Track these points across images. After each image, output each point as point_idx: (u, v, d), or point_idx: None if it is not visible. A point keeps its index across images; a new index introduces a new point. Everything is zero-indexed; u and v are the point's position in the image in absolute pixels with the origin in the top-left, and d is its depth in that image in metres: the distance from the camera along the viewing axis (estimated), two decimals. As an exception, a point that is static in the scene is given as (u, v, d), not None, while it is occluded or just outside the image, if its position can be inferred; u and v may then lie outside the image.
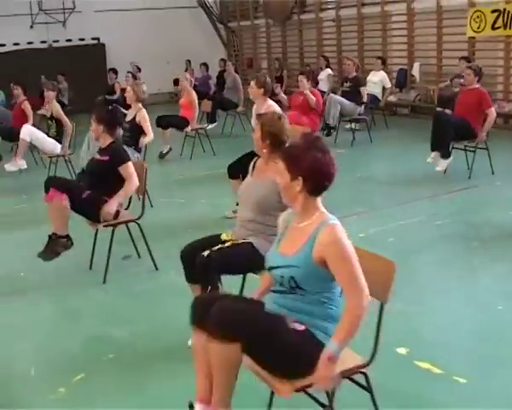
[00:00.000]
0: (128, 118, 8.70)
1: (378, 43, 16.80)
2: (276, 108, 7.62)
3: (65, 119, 10.32)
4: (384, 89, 14.46)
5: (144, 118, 8.59)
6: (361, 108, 12.97)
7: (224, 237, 4.63)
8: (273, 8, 20.43)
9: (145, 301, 5.84)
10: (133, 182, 6.07)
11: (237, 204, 5.60)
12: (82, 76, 18.95)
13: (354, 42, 17.66)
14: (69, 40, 21.01)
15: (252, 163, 4.91)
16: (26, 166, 10.81)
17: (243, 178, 5.15)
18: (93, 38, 21.37)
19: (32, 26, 20.40)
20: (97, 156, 6.23)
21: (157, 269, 6.44)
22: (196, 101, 12.26)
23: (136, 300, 5.89)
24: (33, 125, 11.37)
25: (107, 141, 6.23)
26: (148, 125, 8.67)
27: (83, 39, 21.18)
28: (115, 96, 16.33)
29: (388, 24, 16.82)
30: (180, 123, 12.19)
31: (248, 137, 6.50)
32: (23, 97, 12.12)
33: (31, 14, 20.14)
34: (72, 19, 20.76)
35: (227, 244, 4.45)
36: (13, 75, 15.56)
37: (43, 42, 20.72)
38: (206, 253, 4.27)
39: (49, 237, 5.96)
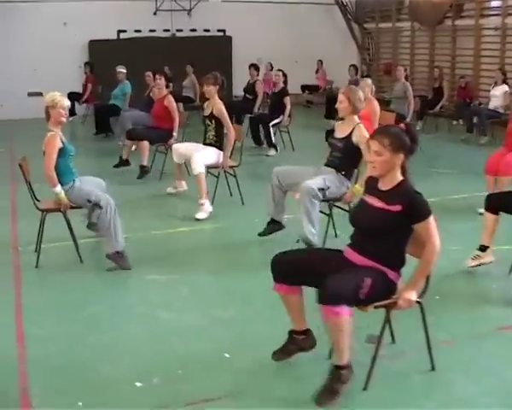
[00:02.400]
0: (339, 134, 6.70)
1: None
2: None
3: (228, 122, 8.43)
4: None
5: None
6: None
7: None
8: (422, 10, 18.22)
9: None
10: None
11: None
12: (206, 70, 17.03)
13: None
14: (193, 30, 19.45)
15: None
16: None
17: None
18: (219, 30, 19.71)
19: (155, 13, 18.87)
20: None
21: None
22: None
23: None
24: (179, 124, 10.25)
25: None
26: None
27: (208, 30, 19.56)
28: (258, 100, 14.21)
29: None
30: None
31: None
32: (165, 91, 10.36)
33: (155, 0, 18.53)
34: (198, 8, 19.12)
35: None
36: (133, 64, 14.70)
37: (166, 30, 19.18)
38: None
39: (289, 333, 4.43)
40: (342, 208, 6.70)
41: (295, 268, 4.14)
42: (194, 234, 7.38)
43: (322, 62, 20.05)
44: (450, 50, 17.80)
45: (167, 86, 10.62)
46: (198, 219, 7.79)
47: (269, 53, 18.71)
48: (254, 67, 14.71)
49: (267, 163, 10.92)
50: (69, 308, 5.39)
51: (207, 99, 8.65)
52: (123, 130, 11.78)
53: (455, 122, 15.66)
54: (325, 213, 6.69)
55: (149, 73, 13.48)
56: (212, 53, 18.52)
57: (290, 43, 19.73)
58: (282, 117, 12.54)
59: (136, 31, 18.66)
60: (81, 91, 16.67)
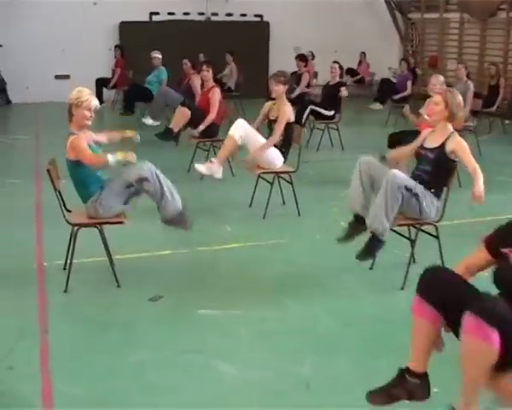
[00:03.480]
0: (430, 143, 5.65)
1: None
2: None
3: (281, 127, 7.42)
4: None
5: (464, 149, 5.48)
6: None
7: None
8: (474, 1, 17.06)
9: None
10: None
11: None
12: (243, 56, 16.07)
13: None
14: (229, 14, 18.34)
15: None
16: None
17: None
18: (256, 15, 18.60)
19: (189, -5, 17.77)
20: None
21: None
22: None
23: None
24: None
25: None
26: (469, 158, 5.41)
27: (244, 15, 18.46)
28: (298, 89, 13.18)
29: None
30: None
31: None
32: (212, 83, 9.54)
33: (190, -19, 17.57)
34: (235, -9, 18.04)
35: None
36: (165, 48, 13.78)
37: (201, 14, 18.13)
38: None
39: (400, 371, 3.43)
40: (429, 233, 5.65)
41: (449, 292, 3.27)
42: (246, 252, 6.39)
43: (365, 54, 18.96)
44: (503, 44, 16.62)
45: (215, 80, 9.62)
46: (196, 169, 7.48)
47: (307, 41, 17.74)
48: (300, 57, 13.69)
49: (319, 167, 9.91)
50: (107, 355, 4.38)
51: (272, 99, 7.79)
52: (158, 107, 11.52)
53: (507, 121, 14.53)
54: (408, 238, 5.67)
55: (186, 61, 12.56)
56: (248, 39, 17.72)
57: (329, 32, 18.67)
58: (333, 112, 11.51)
59: (169, 13, 17.62)
60: (110, 76, 15.71)
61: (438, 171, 5.50)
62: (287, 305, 5.17)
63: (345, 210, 7.49)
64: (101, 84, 15.41)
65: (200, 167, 7.50)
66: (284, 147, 7.47)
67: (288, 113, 7.40)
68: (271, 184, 7.44)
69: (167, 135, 9.43)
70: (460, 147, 5.38)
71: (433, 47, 19.47)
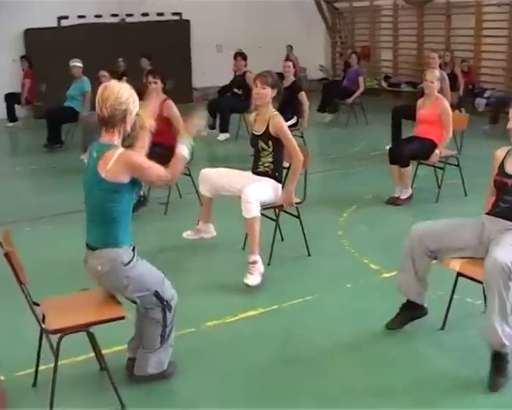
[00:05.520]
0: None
1: None
2: None
3: (293, 143, 5.80)
4: None
5: None
6: None
7: None
8: (408, -14, 16.02)
9: None
10: None
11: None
12: (163, 59, 14.34)
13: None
14: (145, 14, 16.68)
15: None
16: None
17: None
18: (174, 14, 17.01)
19: (101, -5, 15.99)
20: None
21: None
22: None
23: None
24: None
25: None
26: None
27: (162, 14, 16.83)
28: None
29: None
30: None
31: None
32: (163, 95, 7.74)
33: (100, -20, 15.81)
34: (149, -12, 16.42)
35: None
36: (77, 56, 11.71)
37: (115, 15, 16.39)
38: None
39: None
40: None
41: None
42: (264, 322, 4.88)
43: (292, 48, 17.65)
44: (444, 30, 15.63)
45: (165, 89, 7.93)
46: (249, 286, 5.37)
47: (231, 38, 16.43)
48: (242, 56, 12.15)
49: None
50: None
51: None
52: (90, 140, 9.07)
53: (457, 111, 13.49)
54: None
55: (104, 73, 10.72)
56: (167, 40, 16.22)
57: (252, 27, 17.33)
58: (296, 119, 10.06)
59: (79, 16, 15.77)
60: (20, 91, 13.80)
61: None
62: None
63: (357, 240, 6.27)
64: (11, 100, 13.48)
65: (188, 234, 6.04)
66: (278, 170, 5.91)
67: (285, 125, 5.83)
68: (276, 221, 5.91)
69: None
70: None
71: (364, 37, 18.37)
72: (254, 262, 5.44)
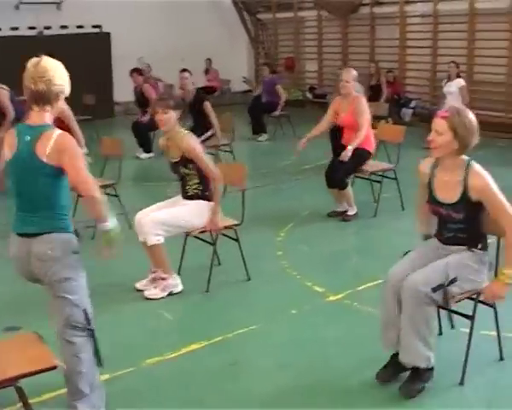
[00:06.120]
0: (445, 196, 4.01)
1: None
2: None
3: (205, 163, 5.45)
4: None
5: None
6: None
7: None
8: (332, -2, 15.99)
9: None
10: None
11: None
12: (83, 73, 13.85)
13: (455, 44, 13.34)
14: (64, 27, 16.12)
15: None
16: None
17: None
18: (94, 26, 16.50)
19: (17, 7, 15.45)
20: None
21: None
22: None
23: None
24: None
25: None
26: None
27: (81, 26, 16.31)
28: (146, 117, 11.21)
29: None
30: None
31: None
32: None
33: (16, -8, 15.22)
34: (68, 0, 15.89)
35: None
36: None
37: (32, 28, 15.72)
38: None
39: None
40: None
41: None
42: (209, 355, 4.52)
43: (210, 61, 17.41)
44: (369, 41, 15.65)
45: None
46: (147, 298, 5.33)
47: (152, 51, 16.07)
48: (138, 72, 11.86)
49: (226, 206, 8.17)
50: None
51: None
52: None
53: (383, 121, 13.48)
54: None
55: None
56: (87, 53, 15.62)
57: (175, 39, 17.05)
58: (207, 133, 9.71)
59: (-6, 29, 15.10)
60: None
61: (472, 224, 4.00)
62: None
63: (298, 261, 6.14)
64: None
65: (153, 292, 5.43)
66: (208, 188, 5.56)
67: (194, 144, 5.46)
68: (214, 245, 5.58)
69: None
70: (483, 191, 3.87)
71: (288, 48, 18.25)
72: (163, 278, 5.35)
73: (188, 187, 5.54)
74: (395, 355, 4.02)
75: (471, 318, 4.00)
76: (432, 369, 3.92)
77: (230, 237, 5.65)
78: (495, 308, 4.13)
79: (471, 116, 3.84)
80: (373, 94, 13.10)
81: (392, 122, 11.79)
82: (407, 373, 3.95)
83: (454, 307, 4.01)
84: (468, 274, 3.92)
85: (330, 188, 7.54)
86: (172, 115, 5.39)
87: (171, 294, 5.42)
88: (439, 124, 3.81)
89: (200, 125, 9.60)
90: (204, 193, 5.52)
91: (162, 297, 5.35)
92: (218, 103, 16.55)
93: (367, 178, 7.86)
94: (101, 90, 15.44)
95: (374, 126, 8.37)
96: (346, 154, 7.25)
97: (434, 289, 3.76)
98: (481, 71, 13.13)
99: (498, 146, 10.63)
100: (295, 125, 13.14)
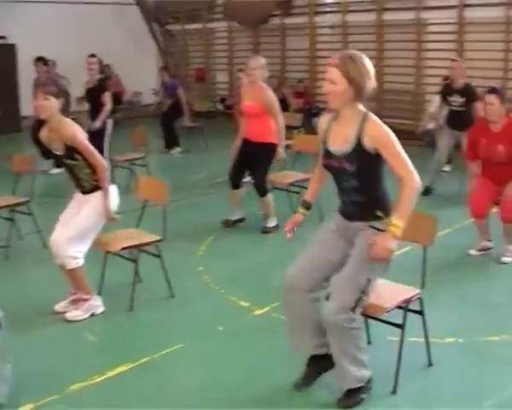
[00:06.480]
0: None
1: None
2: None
3: (92, 153, 5.17)
4: None
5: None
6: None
7: None
8: (241, 9, 15.99)
9: None
10: None
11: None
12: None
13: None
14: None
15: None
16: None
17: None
18: (-1, 37, 15.99)
19: None
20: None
21: None
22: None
23: None
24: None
25: None
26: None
27: (-21, 37, 15.76)
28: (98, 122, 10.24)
29: (424, 35, 12.95)
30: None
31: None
32: None
33: None
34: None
35: None
36: None
37: None
38: None
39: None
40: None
41: None
42: (136, 378, 4.36)
43: (110, 66, 16.81)
44: (280, 52, 15.75)
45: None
46: (67, 320, 5.10)
47: (60, 62, 15.42)
48: (43, 61, 11.68)
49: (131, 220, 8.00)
50: None
51: (41, 124, 5.39)
52: None
53: (296, 131, 13.55)
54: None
55: None
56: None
57: (83, 50, 16.39)
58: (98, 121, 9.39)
59: None
60: None
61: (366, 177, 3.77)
62: None
63: (220, 275, 6.24)
64: None
65: (75, 314, 5.21)
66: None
67: (78, 132, 5.14)
68: (135, 262, 5.43)
69: None
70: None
71: (199, 59, 18.18)
72: (85, 299, 5.18)
73: (81, 181, 5.25)
74: (311, 360, 4.02)
75: (401, 326, 4.01)
76: (369, 381, 3.91)
77: (153, 254, 5.51)
78: (423, 315, 4.17)
79: (365, 59, 3.65)
80: (282, 106, 12.97)
81: (303, 132, 11.85)
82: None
83: (383, 316, 4.02)
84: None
85: (235, 189, 7.57)
86: (54, 103, 5.07)
87: (93, 315, 5.23)
88: (331, 73, 3.59)
89: (96, 113, 9.47)
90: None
91: (85, 318, 5.16)
92: (129, 116, 16.43)
93: (285, 190, 7.85)
94: (7, 103, 14.95)
95: (288, 137, 8.39)
96: (280, 154, 7.36)
97: (354, 309, 3.65)
98: (390, 80, 13.39)
99: (411, 154, 10.79)
100: (207, 136, 13.09)
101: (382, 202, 3.79)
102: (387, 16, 13.25)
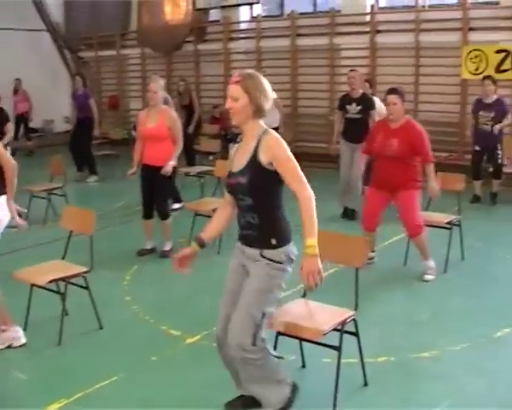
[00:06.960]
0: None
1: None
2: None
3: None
4: None
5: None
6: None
7: None
8: (154, 36, 16.01)
9: None
10: None
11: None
12: None
13: (279, 79, 13.67)
14: None
15: None
16: None
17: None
18: None
19: None
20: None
21: None
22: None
23: None
24: None
25: None
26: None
27: None
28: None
29: (337, 59, 13.27)
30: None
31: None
32: None
33: None
34: None
35: None
36: None
37: None
38: None
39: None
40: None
41: None
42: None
43: (20, 81, 16.51)
44: (194, 78, 15.80)
45: None
46: None
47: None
48: None
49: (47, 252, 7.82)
50: None
51: None
52: None
53: (211, 157, 13.53)
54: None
55: None
56: None
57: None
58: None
59: None
60: None
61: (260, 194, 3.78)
62: None
63: (148, 304, 6.09)
64: None
65: None
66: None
67: None
68: (63, 294, 5.30)
69: None
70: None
71: (112, 87, 18.03)
72: (3, 330, 5.06)
73: None
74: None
75: (338, 349, 4.06)
76: (294, 391, 3.97)
77: (80, 286, 5.40)
78: (358, 336, 4.24)
79: (262, 78, 3.76)
80: (186, 113, 12.79)
81: (219, 157, 11.83)
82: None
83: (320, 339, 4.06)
84: (273, 288, 3.76)
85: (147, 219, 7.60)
86: None
87: (10, 347, 5.07)
88: (233, 90, 3.71)
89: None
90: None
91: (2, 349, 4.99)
92: (41, 145, 16.12)
93: (208, 216, 7.82)
94: None
95: (209, 164, 8.38)
96: (170, 166, 7.21)
97: (254, 343, 3.70)
98: (304, 104, 13.63)
99: (326, 175, 11.04)
100: (122, 164, 12.91)
101: (278, 226, 3.78)
102: (301, 42, 13.53)
